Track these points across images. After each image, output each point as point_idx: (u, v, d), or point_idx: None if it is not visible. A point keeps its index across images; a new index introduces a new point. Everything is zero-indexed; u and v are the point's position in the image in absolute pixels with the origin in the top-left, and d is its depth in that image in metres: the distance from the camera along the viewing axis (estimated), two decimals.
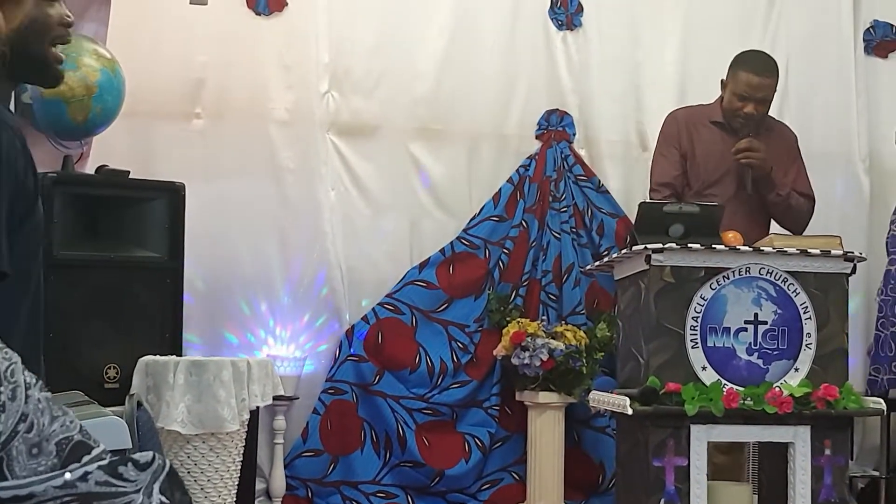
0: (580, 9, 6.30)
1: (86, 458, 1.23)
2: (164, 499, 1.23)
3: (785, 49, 6.53)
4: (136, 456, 1.22)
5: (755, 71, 5.09)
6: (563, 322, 5.95)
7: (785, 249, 4.10)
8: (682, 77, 6.29)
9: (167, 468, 1.26)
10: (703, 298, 4.01)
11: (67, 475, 1.15)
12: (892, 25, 6.69)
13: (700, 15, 6.43)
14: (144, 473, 1.21)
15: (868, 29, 6.68)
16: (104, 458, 1.23)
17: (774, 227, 5.55)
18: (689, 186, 5.18)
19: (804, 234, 5.05)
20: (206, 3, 5.17)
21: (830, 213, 6.35)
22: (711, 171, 5.15)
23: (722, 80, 5.25)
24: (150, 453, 1.24)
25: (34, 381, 1.24)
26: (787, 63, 6.52)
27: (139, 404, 3.35)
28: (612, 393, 4.19)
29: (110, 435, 2.78)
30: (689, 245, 4.03)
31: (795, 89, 6.52)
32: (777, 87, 5.22)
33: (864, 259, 4.37)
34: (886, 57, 6.71)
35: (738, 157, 5.02)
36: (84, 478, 1.15)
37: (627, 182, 6.27)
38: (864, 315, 6.37)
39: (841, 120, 6.56)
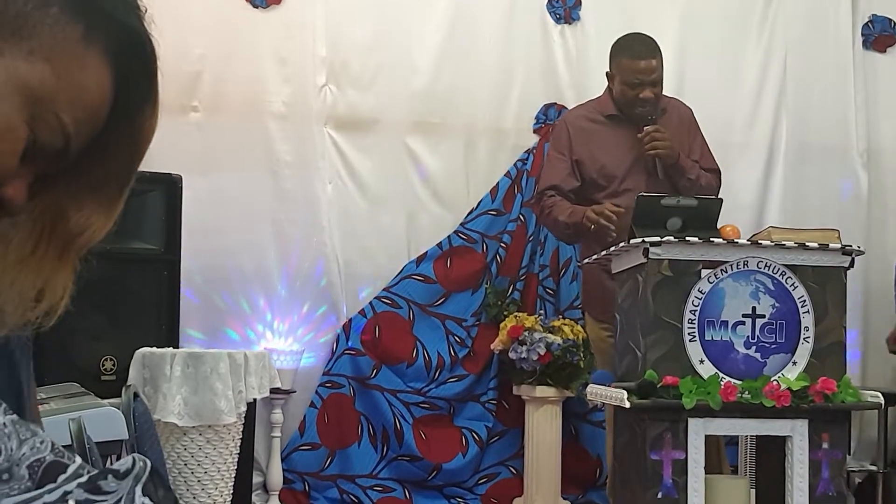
0: (578, 3, 6.30)
1: (62, 478, 1.20)
2: (146, 500, 1.21)
3: (783, 44, 6.53)
4: (116, 465, 1.20)
5: (639, 55, 4.84)
6: (560, 316, 5.96)
7: (783, 243, 4.09)
8: (680, 71, 6.29)
9: (148, 468, 1.24)
10: (700, 292, 4.00)
11: (46, 497, 1.12)
12: (890, 20, 6.68)
13: (698, 10, 6.42)
14: (125, 481, 1.19)
15: (866, 23, 6.67)
16: (82, 475, 1.21)
17: (772, 219, 5.56)
18: (603, 187, 4.93)
19: (801, 226, 5.03)
20: None
21: (828, 207, 6.36)
22: (619, 166, 4.92)
23: (607, 73, 5.01)
24: (130, 458, 1.22)
25: None
26: (785, 57, 6.53)
27: (136, 396, 3.34)
28: (609, 386, 4.19)
29: (107, 426, 2.78)
30: (687, 238, 4.01)
31: (794, 84, 6.52)
32: (664, 65, 4.94)
33: (862, 253, 4.36)
34: (885, 51, 6.70)
35: (646, 149, 4.85)
36: (64, 499, 1.13)
37: None
38: (861, 309, 6.37)
39: (839, 114, 6.56)
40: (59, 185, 1.06)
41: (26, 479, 1.17)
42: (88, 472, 1.19)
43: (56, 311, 1.09)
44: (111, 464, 1.19)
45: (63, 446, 1.19)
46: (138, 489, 1.20)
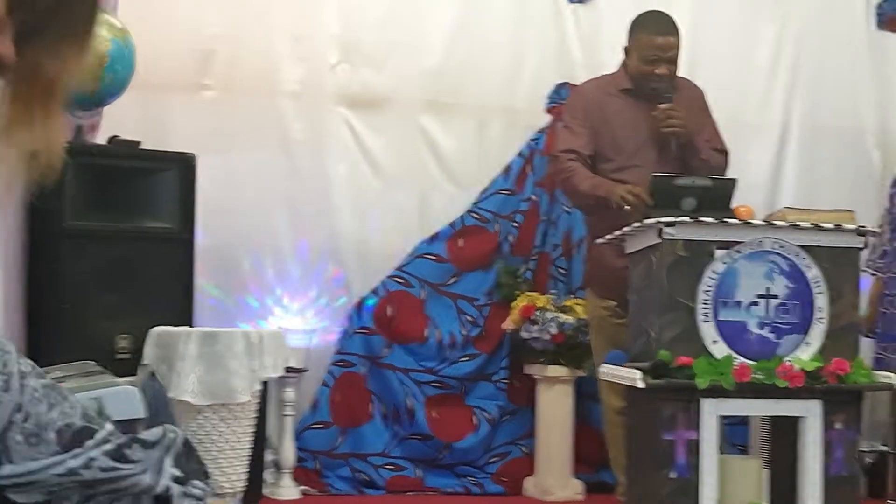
0: None
1: (89, 443, 1.21)
2: (176, 471, 1.23)
3: (796, 23, 6.51)
4: (144, 435, 1.21)
5: (658, 32, 4.91)
6: (572, 296, 5.96)
7: (798, 223, 4.09)
8: (693, 51, 6.23)
9: (180, 440, 1.25)
10: (715, 272, 4.01)
11: (71, 462, 1.14)
12: None
13: None
14: (152, 451, 1.21)
15: (880, 2, 6.64)
16: (110, 441, 1.22)
17: (785, 199, 5.55)
18: (611, 160, 4.97)
19: (814, 207, 5.02)
20: None
21: (841, 187, 6.34)
22: (630, 141, 4.95)
23: (625, 48, 5.05)
24: (160, 429, 1.23)
25: (30, 369, 1.22)
26: (798, 37, 6.51)
27: (152, 374, 3.35)
28: (622, 366, 4.19)
29: (123, 404, 2.79)
30: (702, 219, 4.02)
31: (807, 63, 6.50)
32: (680, 45, 4.98)
33: (877, 233, 4.36)
34: None
35: (662, 126, 4.86)
36: (88, 465, 1.14)
37: None
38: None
39: (852, 94, 6.54)
40: (36, 38, 1.06)
41: (54, 443, 1.18)
42: (117, 440, 1.21)
43: (55, 166, 1.09)
44: None
45: None
46: (168, 459, 1.21)
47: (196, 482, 1.24)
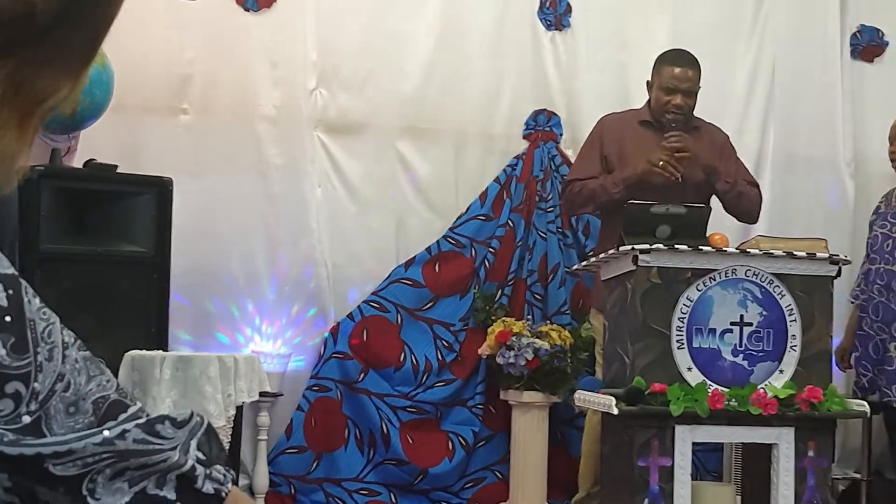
0: (569, 9, 6.32)
1: (122, 416, 1.25)
2: (200, 454, 1.25)
3: (772, 53, 6.56)
4: (174, 414, 1.24)
5: (676, 63, 5.16)
6: (548, 322, 5.97)
7: (771, 252, 4.12)
8: None
9: (205, 424, 1.28)
10: (689, 299, 4.03)
11: (106, 432, 1.16)
12: (878, 30, 6.72)
13: (688, 18, 6.44)
14: (182, 430, 1.23)
15: (854, 33, 6.71)
16: (141, 417, 1.25)
17: (759, 227, 5.58)
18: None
19: (788, 235, 5.07)
20: None
21: (815, 216, 6.40)
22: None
23: (647, 82, 5.30)
24: (189, 411, 1.26)
25: (72, 340, 1.25)
26: (773, 66, 6.56)
27: None
28: (597, 393, 4.21)
29: None
30: (676, 246, 4.04)
31: (782, 93, 6.55)
32: (700, 82, 5.20)
33: (849, 262, 4.39)
34: (872, 61, 6.74)
35: (665, 152, 4.95)
36: (122, 435, 1.17)
37: None
38: (846, 317, 6.39)
39: (827, 124, 6.59)
40: (25, 52, 1.07)
41: (90, 413, 1.21)
42: (147, 415, 1.24)
43: (12, 180, 1.10)
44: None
45: None
46: (193, 442, 1.23)
47: (218, 467, 1.26)
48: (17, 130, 1.07)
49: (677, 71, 5.13)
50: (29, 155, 1.12)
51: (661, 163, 4.84)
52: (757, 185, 5.36)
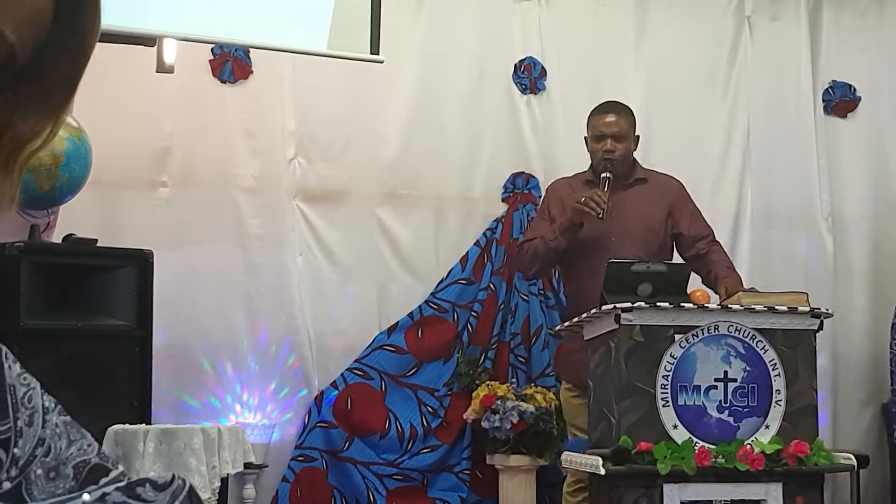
0: (543, 73, 6.37)
1: (103, 481, 1.24)
2: None
3: (746, 109, 6.62)
4: (155, 477, 1.23)
5: (603, 111, 5.17)
6: (532, 384, 5.96)
7: (753, 307, 4.12)
8: (645, 139, 6.32)
9: (187, 487, 1.27)
10: (672, 357, 4.03)
11: (86, 496, 1.15)
12: (850, 86, 6.78)
13: (662, 77, 6.51)
14: (163, 494, 1.22)
15: (827, 89, 6.77)
16: (122, 480, 1.24)
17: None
18: (580, 247, 5.05)
19: (769, 290, 5.07)
20: (172, 71, 5.18)
21: (795, 270, 6.43)
22: (593, 227, 5.11)
23: (585, 138, 5.23)
24: (170, 474, 1.25)
25: (53, 405, 1.25)
26: (748, 123, 6.62)
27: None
28: (584, 453, 4.19)
29: None
30: (658, 304, 4.05)
31: (758, 149, 6.60)
32: (634, 127, 5.16)
33: (831, 315, 4.41)
34: (846, 117, 6.80)
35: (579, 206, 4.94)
36: (102, 499, 1.16)
37: None
38: (830, 371, 6.41)
39: (803, 179, 6.64)
40: (5, 96, 1.07)
41: (71, 477, 1.20)
42: (128, 479, 1.23)
43: None
44: None
45: None
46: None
47: None
48: (3, 174, 1.08)
49: (603, 118, 5.11)
50: (15, 195, 1.12)
51: (582, 199, 4.83)
52: (711, 235, 5.25)
